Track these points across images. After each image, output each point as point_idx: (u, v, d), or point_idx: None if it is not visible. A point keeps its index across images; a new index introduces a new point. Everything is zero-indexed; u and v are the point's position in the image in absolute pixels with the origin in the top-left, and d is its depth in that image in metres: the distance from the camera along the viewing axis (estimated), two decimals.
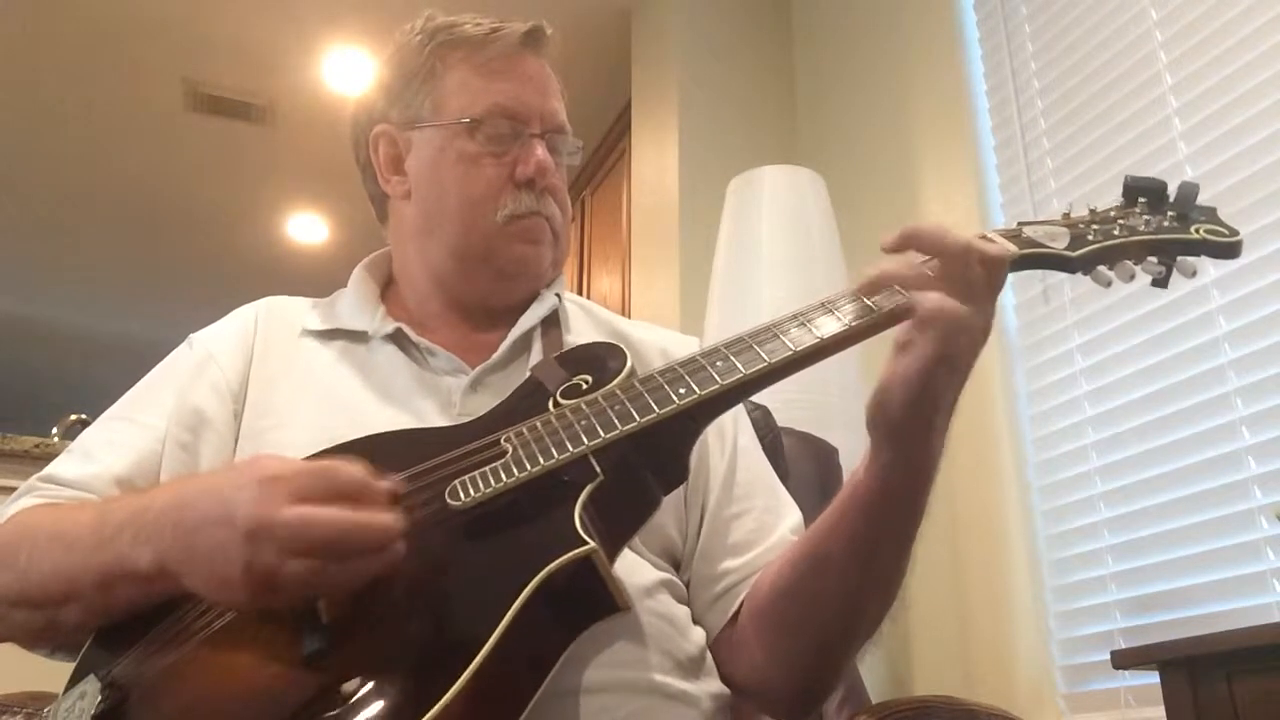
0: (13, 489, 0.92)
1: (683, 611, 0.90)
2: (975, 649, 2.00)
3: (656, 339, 1.05)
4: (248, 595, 0.67)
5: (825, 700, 0.93)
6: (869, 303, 0.75)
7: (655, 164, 3.06)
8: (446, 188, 0.99)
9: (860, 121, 2.71)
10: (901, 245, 0.74)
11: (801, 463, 1.41)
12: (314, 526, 0.65)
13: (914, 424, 0.74)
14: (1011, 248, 0.77)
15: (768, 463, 1.04)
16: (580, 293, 3.56)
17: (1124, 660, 1.31)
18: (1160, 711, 1.22)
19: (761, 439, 1.06)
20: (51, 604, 0.78)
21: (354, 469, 0.69)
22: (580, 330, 1.04)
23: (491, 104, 0.99)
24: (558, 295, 1.05)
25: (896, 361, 0.72)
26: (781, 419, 1.37)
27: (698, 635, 0.90)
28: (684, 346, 1.06)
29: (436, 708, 0.59)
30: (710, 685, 0.87)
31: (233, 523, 0.66)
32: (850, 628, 0.86)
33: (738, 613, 0.90)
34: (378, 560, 0.67)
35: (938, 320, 0.70)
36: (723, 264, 2.22)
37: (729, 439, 1.00)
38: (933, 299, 0.71)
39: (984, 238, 0.77)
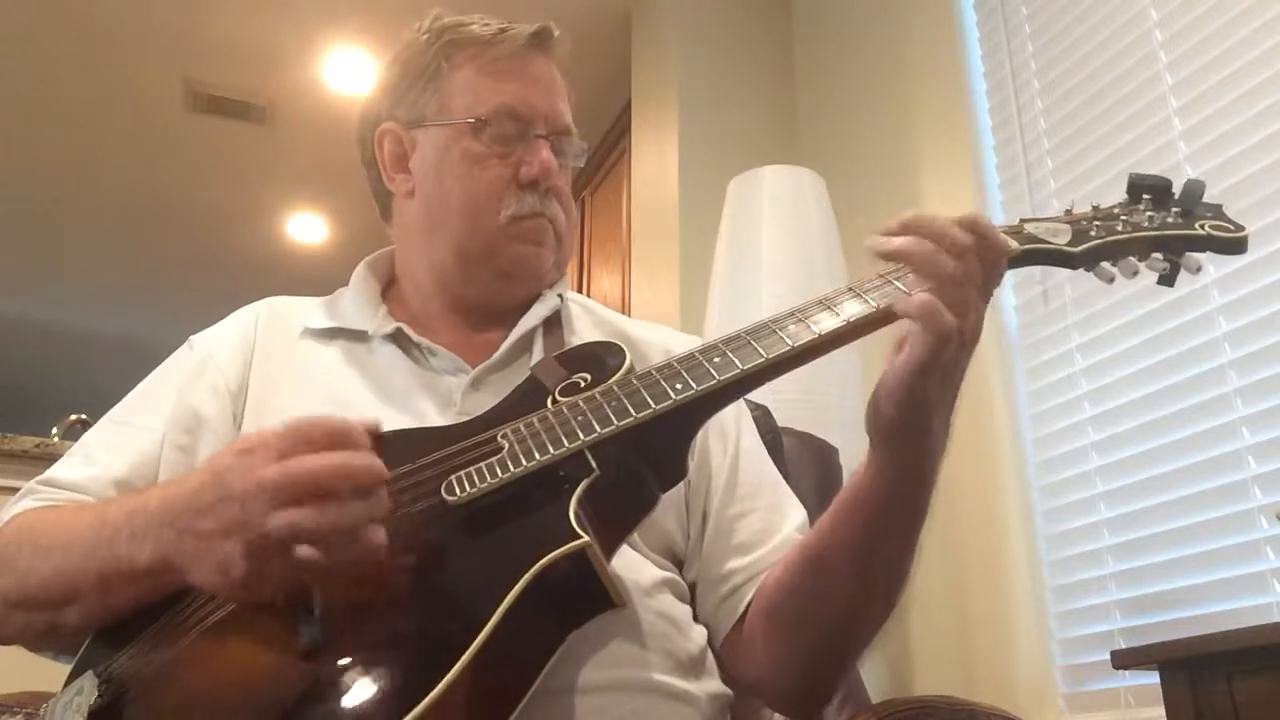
0: (13, 489, 0.92)
1: (684, 610, 0.89)
2: (975, 649, 2.00)
3: (660, 338, 1.05)
4: (247, 569, 0.66)
5: (832, 697, 0.93)
6: (867, 299, 0.75)
7: (655, 164, 3.06)
8: (450, 187, 0.99)
9: (860, 121, 2.71)
10: (903, 234, 0.73)
11: (801, 463, 1.41)
12: (298, 473, 0.65)
13: (909, 426, 0.74)
14: (1011, 242, 0.76)
15: (771, 463, 1.03)
16: (580, 293, 3.54)
17: (1124, 660, 1.31)
18: (1160, 711, 1.22)
19: (761, 438, 1.06)
20: (52, 606, 0.79)
21: (330, 420, 0.69)
22: (583, 331, 1.04)
23: (498, 104, 0.99)
24: (560, 296, 1.05)
25: (889, 364, 0.72)
26: (781, 419, 1.37)
27: (698, 634, 0.89)
28: (688, 346, 1.06)
29: (429, 699, 0.59)
30: (710, 685, 0.87)
31: (224, 498, 0.67)
32: (854, 627, 0.86)
33: (745, 612, 0.90)
34: (366, 507, 0.66)
35: (919, 314, 0.69)
36: (723, 264, 2.22)
37: (731, 439, 1.00)
38: (914, 298, 0.70)
39: None
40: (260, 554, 0.65)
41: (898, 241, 0.73)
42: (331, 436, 0.68)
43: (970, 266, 0.71)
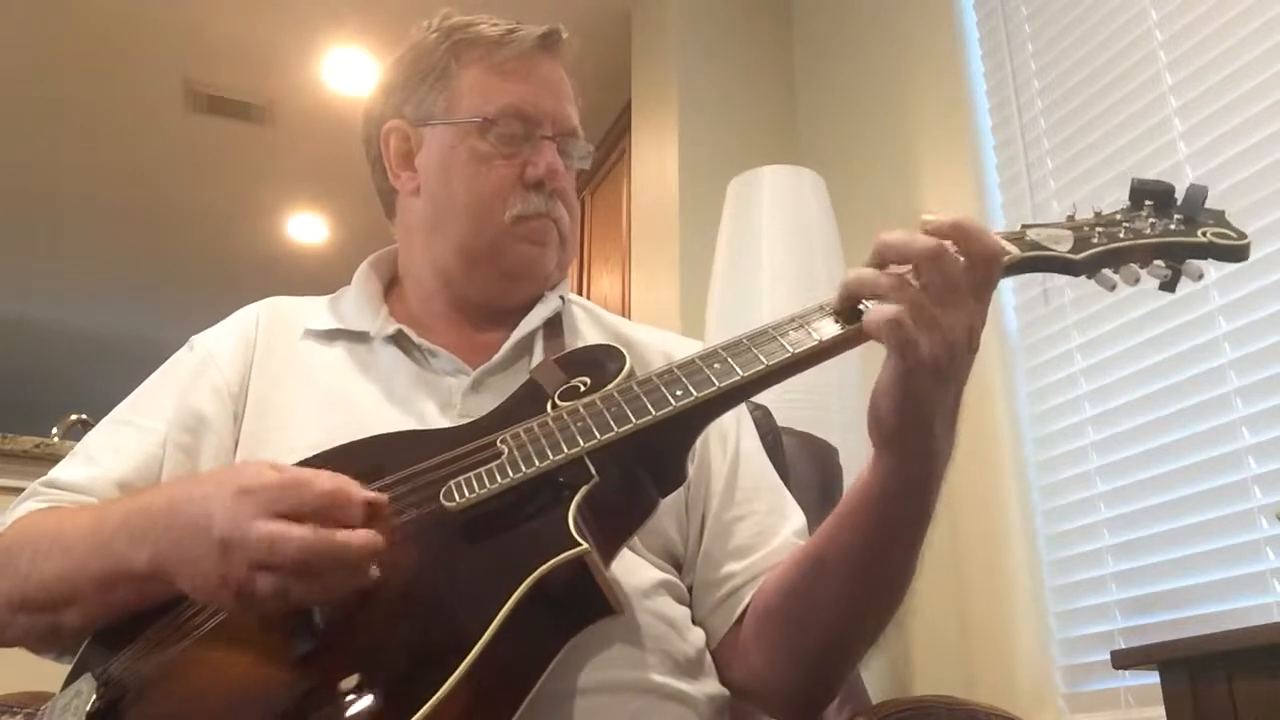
0: (12, 488, 0.92)
1: (682, 612, 0.89)
2: (975, 649, 2.00)
3: (660, 342, 1.05)
4: (229, 604, 0.68)
5: (827, 705, 0.93)
6: (868, 305, 0.74)
7: (655, 164, 3.05)
8: (456, 185, 0.99)
9: (860, 121, 2.71)
10: (878, 261, 0.72)
11: (801, 463, 1.41)
12: (282, 544, 0.65)
13: (908, 429, 0.73)
14: (1013, 249, 0.76)
15: (771, 466, 1.03)
16: (580, 293, 3.55)
17: (1124, 660, 1.31)
18: (1160, 711, 1.22)
19: (761, 439, 1.06)
20: (53, 607, 0.79)
21: (331, 481, 0.68)
22: (584, 333, 1.03)
23: (505, 104, 0.99)
24: (562, 298, 1.04)
25: (883, 368, 0.72)
26: (781, 419, 1.37)
27: (696, 636, 0.89)
28: (688, 350, 1.06)
29: (426, 708, 0.59)
30: (708, 686, 0.87)
31: (209, 533, 0.67)
32: (852, 632, 0.85)
33: (742, 616, 0.90)
34: (350, 578, 0.67)
35: (884, 334, 0.69)
36: (723, 264, 2.22)
37: (731, 442, 0.99)
38: (878, 313, 0.69)
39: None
40: (241, 596, 0.66)
41: (855, 274, 0.72)
42: (326, 503, 0.67)
43: (938, 276, 0.69)
